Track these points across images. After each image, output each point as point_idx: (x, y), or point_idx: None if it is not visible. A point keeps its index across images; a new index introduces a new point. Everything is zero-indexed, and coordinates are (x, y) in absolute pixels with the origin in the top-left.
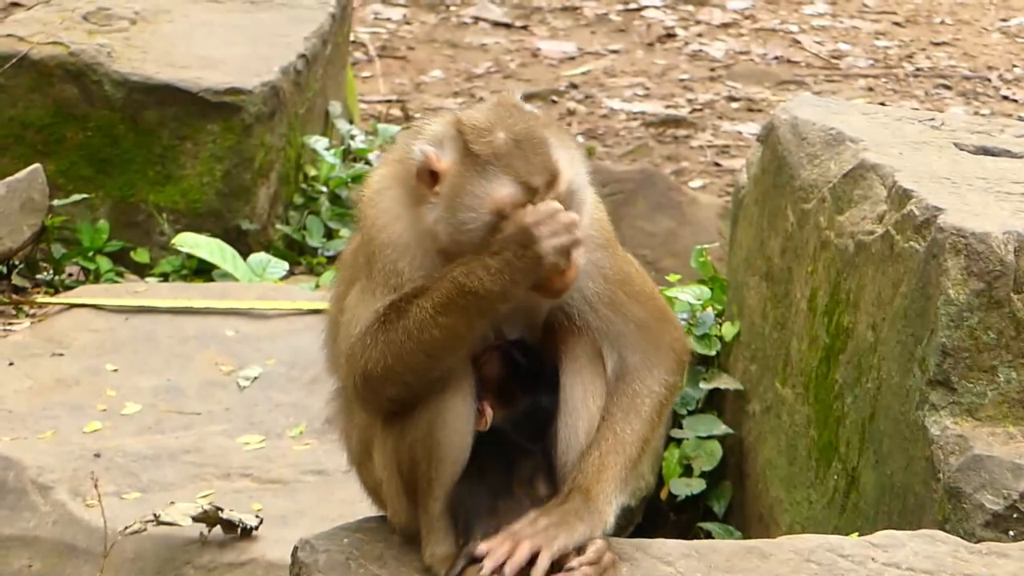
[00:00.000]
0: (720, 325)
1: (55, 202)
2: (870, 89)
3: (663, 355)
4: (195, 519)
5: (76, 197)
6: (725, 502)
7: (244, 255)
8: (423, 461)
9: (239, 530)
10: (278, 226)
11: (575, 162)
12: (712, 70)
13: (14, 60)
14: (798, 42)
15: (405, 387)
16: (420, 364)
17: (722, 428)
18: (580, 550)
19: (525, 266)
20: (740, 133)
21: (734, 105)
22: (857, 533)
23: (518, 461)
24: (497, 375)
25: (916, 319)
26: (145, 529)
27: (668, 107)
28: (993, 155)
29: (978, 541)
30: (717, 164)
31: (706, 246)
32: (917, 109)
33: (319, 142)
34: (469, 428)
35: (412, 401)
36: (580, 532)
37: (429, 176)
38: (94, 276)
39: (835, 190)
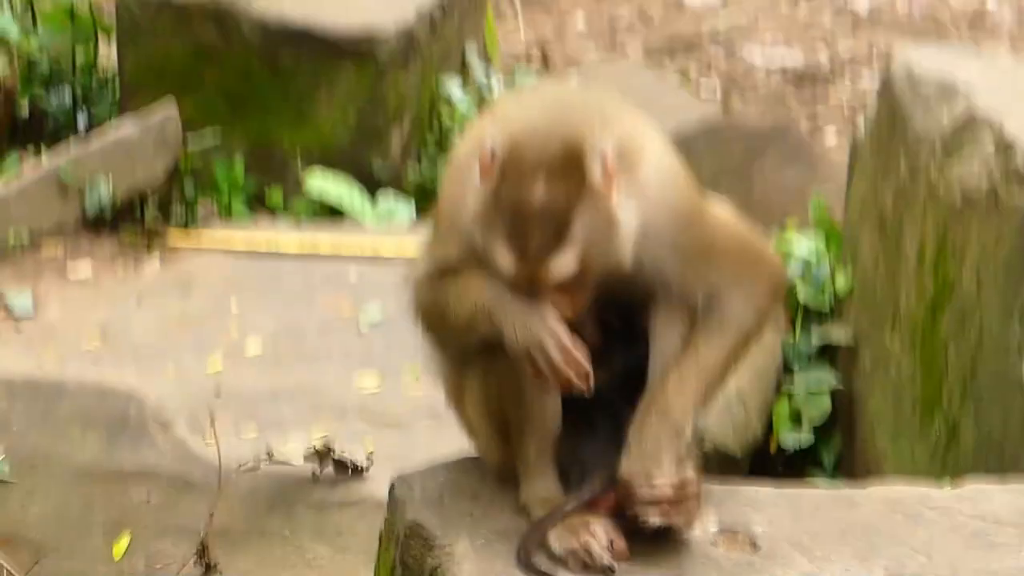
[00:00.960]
0: (835, 277)
1: (190, 142)
2: (1015, 40)
3: (756, 290)
4: (307, 458)
5: (210, 137)
6: (834, 454)
7: (376, 198)
8: (512, 408)
9: (350, 470)
10: (410, 169)
11: (594, 220)
12: (855, 23)
13: (156, 1)
14: None
15: (457, 341)
16: (454, 329)
17: (833, 380)
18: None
19: (521, 346)
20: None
21: (875, 59)
22: (950, 485)
23: (622, 418)
24: (593, 340)
25: (1017, 272)
26: (259, 466)
27: (808, 60)
28: None
29: None
30: (853, 118)
31: (825, 198)
32: None
33: (453, 87)
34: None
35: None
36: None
37: (480, 165)
38: (227, 215)
39: (945, 141)
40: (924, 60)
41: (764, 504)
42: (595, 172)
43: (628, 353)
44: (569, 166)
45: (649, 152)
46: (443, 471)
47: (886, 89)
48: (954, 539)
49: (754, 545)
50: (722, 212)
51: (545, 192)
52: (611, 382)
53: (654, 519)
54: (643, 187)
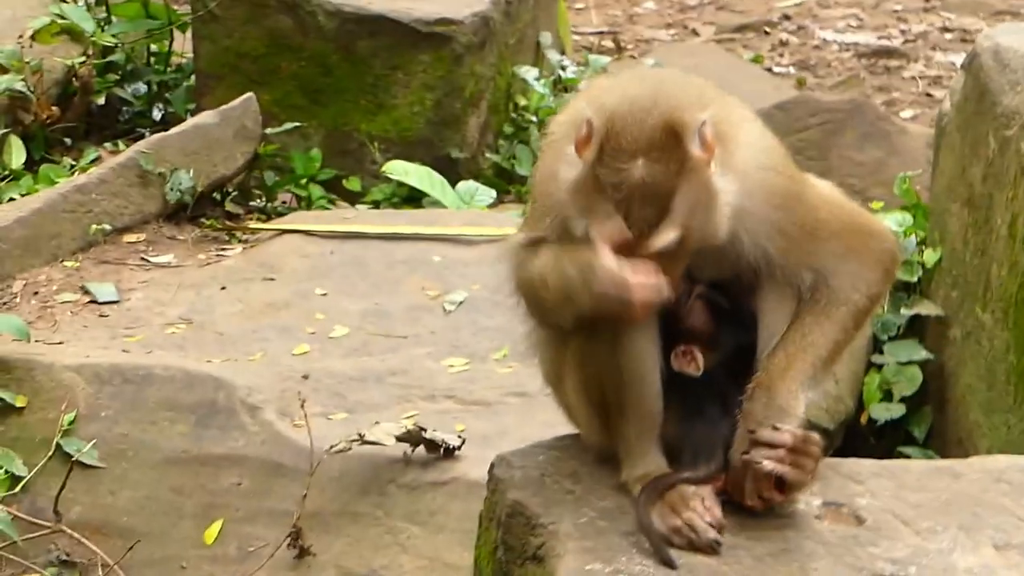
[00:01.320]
0: (922, 252)
1: (268, 130)
2: None
3: (867, 267)
4: (399, 439)
5: (289, 125)
6: (925, 427)
7: (453, 183)
8: (611, 391)
9: (442, 450)
10: (488, 155)
11: (694, 193)
12: (927, 1)
13: None
14: None
15: (550, 313)
16: (544, 299)
17: (923, 354)
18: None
19: (582, 289)
20: (953, 64)
21: (947, 36)
22: None
23: (730, 400)
24: (703, 323)
25: None
26: (350, 448)
27: (881, 38)
28: None
29: None
30: (928, 95)
31: (910, 174)
32: None
33: (529, 72)
34: (654, 361)
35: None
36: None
37: (577, 140)
38: (306, 203)
39: None
40: (1010, 38)
41: (866, 478)
42: (695, 146)
43: (738, 335)
44: (669, 140)
45: (746, 130)
46: (542, 451)
47: (972, 67)
48: None
49: (858, 519)
50: (826, 190)
51: (646, 165)
52: (722, 364)
53: (769, 465)
54: (741, 163)
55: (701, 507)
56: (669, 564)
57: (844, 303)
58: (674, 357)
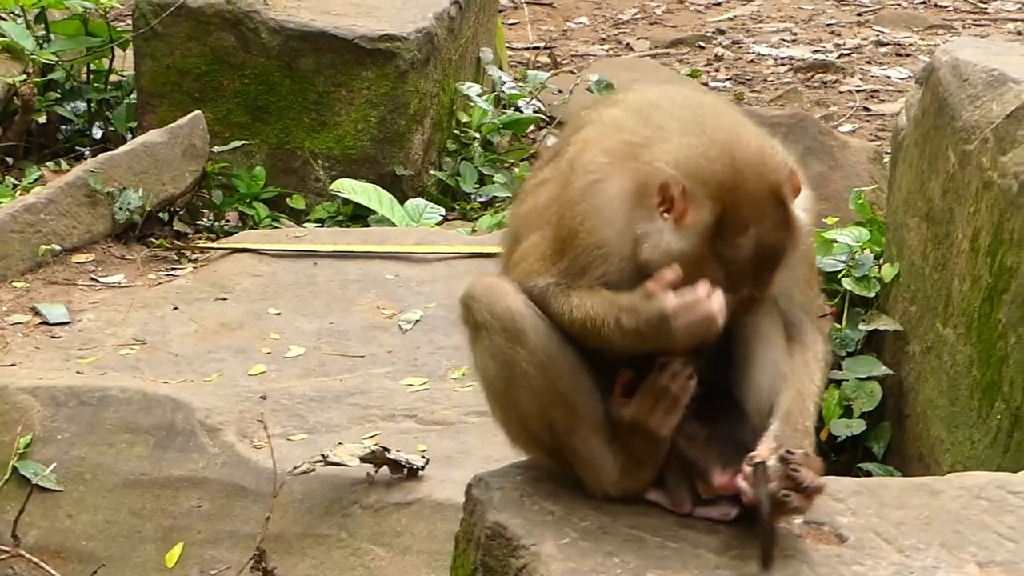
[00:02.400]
0: (879, 267)
1: (214, 148)
2: (1019, 33)
3: (820, 326)
4: (362, 459)
5: (234, 144)
6: (884, 443)
7: (399, 201)
8: (558, 416)
9: (405, 470)
10: (432, 172)
11: (797, 251)
12: (859, 15)
13: (172, 8)
14: None
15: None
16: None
17: (882, 369)
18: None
19: (654, 338)
20: (889, 78)
21: (882, 50)
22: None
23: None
24: None
25: None
26: (313, 469)
27: (816, 52)
28: None
29: None
30: (866, 109)
31: (865, 189)
32: None
33: (472, 88)
34: (580, 367)
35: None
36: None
37: (667, 201)
38: (252, 222)
39: (998, 131)
40: (968, 52)
41: (846, 496)
42: (793, 201)
43: (716, 347)
44: (779, 204)
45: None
46: (519, 471)
47: (930, 81)
48: None
49: (840, 537)
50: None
51: (769, 238)
52: (703, 372)
53: (796, 503)
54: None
55: None
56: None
57: (819, 360)
58: (668, 377)
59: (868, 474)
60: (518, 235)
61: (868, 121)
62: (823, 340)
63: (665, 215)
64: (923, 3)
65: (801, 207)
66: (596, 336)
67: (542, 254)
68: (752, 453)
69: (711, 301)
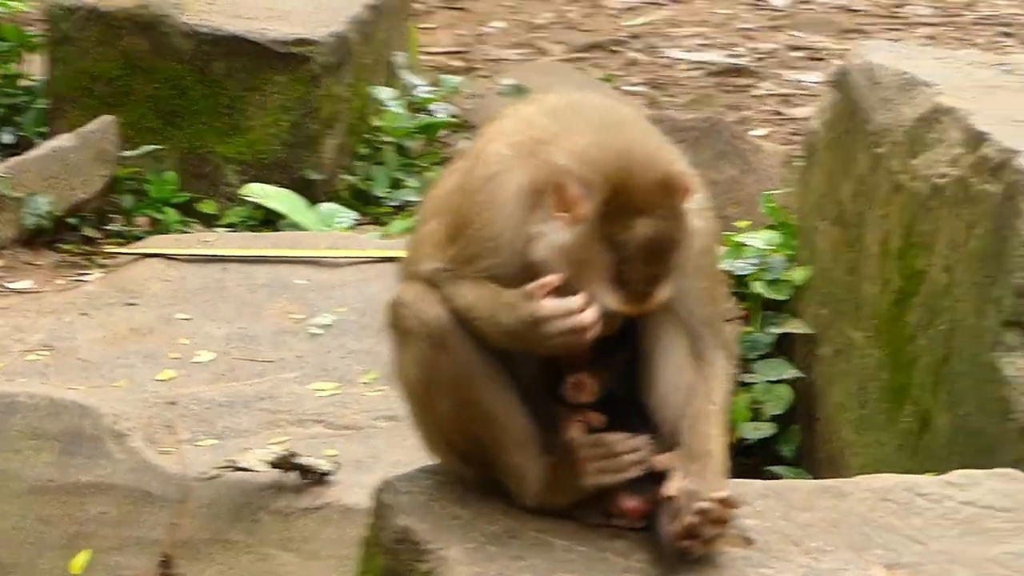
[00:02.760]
0: (790, 270)
1: (126, 153)
2: (932, 37)
3: (724, 341)
4: (271, 465)
5: (145, 148)
6: (794, 446)
7: (311, 205)
8: (482, 428)
9: (314, 476)
10: (344, 176)
11: (687, 247)
12: (773, 19)
13: (83, 11)
14: None
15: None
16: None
17: (792, 372)
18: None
19: (526, 338)
20: (802, 82)
21: (796, 54)
22: (931, 474)
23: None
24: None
25: (991, 261)
26: (221, 475)
27: (730, 56)
28: None
29: None
30: (779, 113)
31: (774, 192)
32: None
33: (384, 92)
34: (506, 383)
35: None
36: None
37: (561, 199)
38: (163, 227)
39: (909, 134)
40: (881, 56)
41: (753, 499)
42: (685, 199)
43: (621, 352)
44: (667, 198)
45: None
46: (428, 476)
47: (842, 85)
48: (947, 527)
49: (747, 540)
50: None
51: (657, 230)
52: (609, 382)
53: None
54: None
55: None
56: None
57: (725, 375)
58: (568, 390)
59: (777, 477)
60: (422, 221)
61: (781, 125)
62: (726, 355)
63: (559, 213)
64: (837, 7)
65: (695, 210)
66: (472, 327)
67: (437, 240)
68: (661, 490)
69: (584, 314)
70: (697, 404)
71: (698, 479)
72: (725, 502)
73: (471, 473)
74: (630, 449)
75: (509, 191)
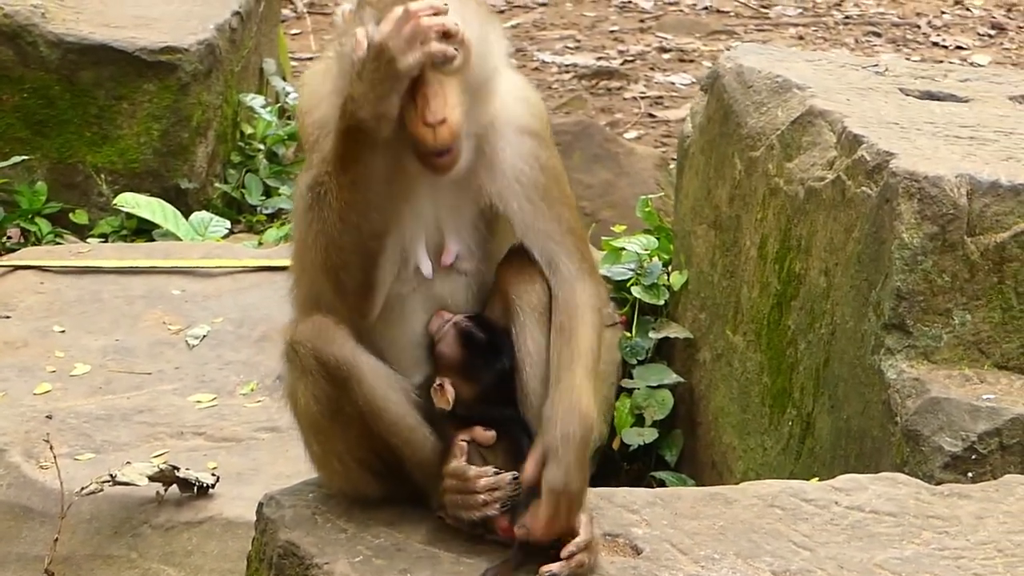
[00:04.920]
0: (668, 274)
1: None
2: (800, 38)
3: (592, 269)
4: (151, 478)
5: (15, 159)
6: (677, 451)
7: (184, 214)
8: (385, 452)
9: (195, 489)
10: (217, 184)
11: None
12: (642, 21)
13: None
14: None
15: (349, 275)
16: (350, 241)
17: (673, 377)
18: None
19: (385, 80)
20: (673, 84)
21: (666, 56)
22: (816, 478)
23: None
24: (457, 353)
25: (870, 264)
26: (101, 489)
27: (600, 59)
28: (939, 100)
29: (938, 483)
30: (651, 115)
31: (651, 196)
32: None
33: (255, 100)
34: (409, 411)
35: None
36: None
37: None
38: (35, 238)
39: (783, 137)
40: (752, 59)
41: (640, 507)
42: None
43: (495, 365)
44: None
45: (505, 53)
46: (311, 488)
47: (715, 88)
48: (834, 532)
49: (636, 549)
50: None
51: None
52: (484, 392)
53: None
54: (500, 84)
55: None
56: None
57: (590, 307)
58: (432, 392)
59: (661, 482)
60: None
61: (653, 128)
62: (590, 277)
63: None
64: (705, 9)
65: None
66: (351, 195)
67: (300, 181)
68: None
69: (409, 12)
70: (560, 400)
71: (559, 473)
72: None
73: (379, 490)
74: (487, 488)
75: (316, 77)
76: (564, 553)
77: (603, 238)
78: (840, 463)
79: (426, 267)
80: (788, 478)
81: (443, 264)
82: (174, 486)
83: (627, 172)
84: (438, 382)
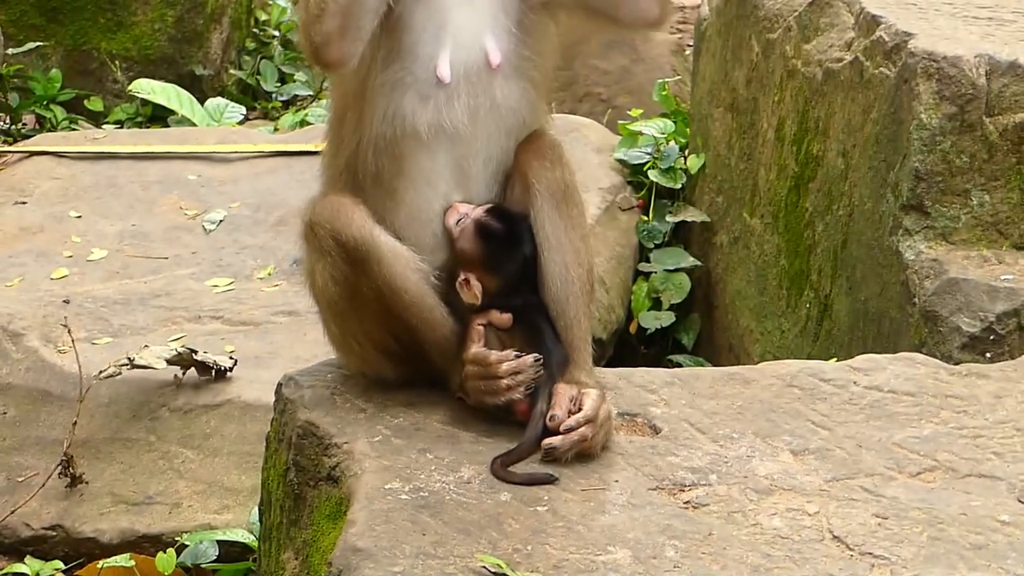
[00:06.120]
0: (685, 158)
1: (8, 51)
2: None
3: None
4: (169, 362)
5: (29, 46)
6: (694, 334)
7: (199, 101)
8: (406, 341)
9: (213, 372)
10: (232, 71)
11: None
12: None
13: None
14: None
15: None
16: None
17: (690, 260)
18: (575, 400)
19: None
20: None
21: None
22: (835, 360)
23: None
24: (478, 249)
25: (888, 145)
26: (119, 373)
27: None
28: None
29: (956, 364)
30: None
31: (667, 80)
32: None
33: None
34: (426, 290)
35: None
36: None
37: None
38: (50, 125)
39: (801, 18)
40: None
41: (659, 387)
42: None
43: (516, 257)
44: None
45: None
46: (330, 369)
47: None
48: (852, 412)
49: (654, 428)
50: None
51: None
52: (508, 283)
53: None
54: None
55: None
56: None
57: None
58: (457, 288)
59: (678, 366)
60: None
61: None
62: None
63: None
64: None
65: None
66: None
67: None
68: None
69: None
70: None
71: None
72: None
73: (398, 373)
74: (509, 372)
75: None
76: (563, 427)
77: (619, 122)
78: (858, 345)
79: (444, 70)
80: (806, 360)
81: (492, 64)
82: (192, 369)
83: (643, 58)
84: (463, 277)
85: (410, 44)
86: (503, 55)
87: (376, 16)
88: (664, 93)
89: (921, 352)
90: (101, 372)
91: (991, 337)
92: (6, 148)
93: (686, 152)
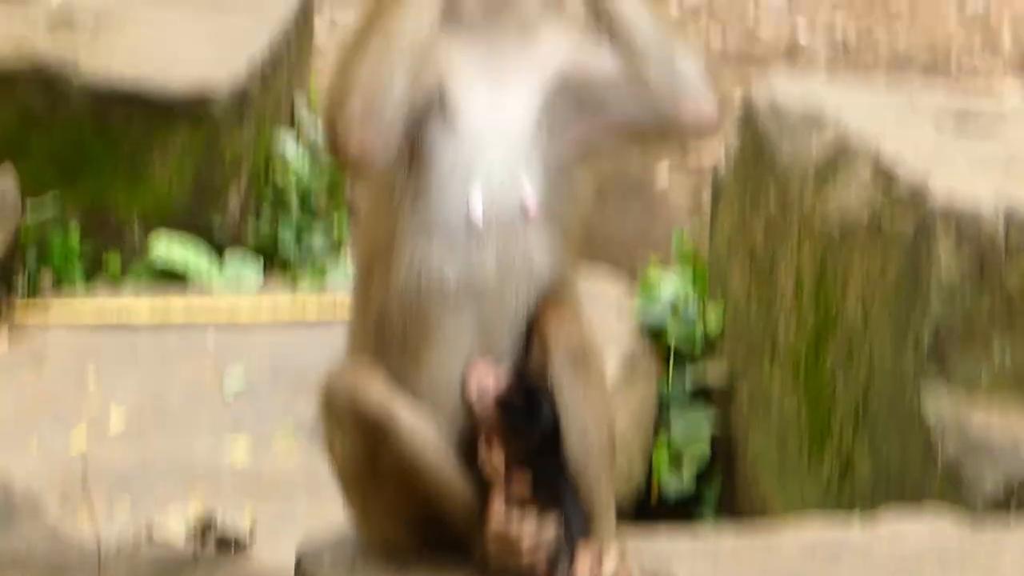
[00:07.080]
0: (704, 314)
1: (28, 211)
2: (831, 74)
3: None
4: (188, 534)
5: (47, 205)
6: (715, 497)
7: (218, 252)
8: (424, 506)
9: (233, 544)
10: (250, 226)
11: None
12: None
13: None
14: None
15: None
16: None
17: (710, 422)
18: (597, 561)
19: None
20: None
21: None
22: (858, 517)
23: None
24: (497, 425)
25: (907, 298)
26: (138, 547)
27: None
28: (973, 130)
29: (979, 524)
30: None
31: (684, 229)
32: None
33: (287, 143)
34: (447, 463)
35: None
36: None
37: None
38: (67, 285)
39: (818, 170)
40: (785, 90)
41: (682, 553)
42: None
43: (538, 422)
44: None
45: None
46: (349, 541)
47: (747, 121)
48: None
49: None
50: None
51: None
52: (528, 451)
53: None
54: None
55: None
56: None
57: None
58: (479, 462)
59: (699, 528)
60: None
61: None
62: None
63: None
64: (733, 47)
65: None
66: None
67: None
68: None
69: None
70: (587, 444)
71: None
72: None
73: (418, 541)
74: (531, 549)
75: None
76: None
77: (638, 276)
78: (881, 504)
79: (477, 212)
80: (828, 520)
81: (527, 213)
82: (211, 541)
83: (660, 214)
84: (484, 449)
85: (438, 181)
86: (538, 200)
87: (402, 108)
88: (683, 247)
89: (944, 511)
90: (119, 544)
91: (1014, 498)
92: (25, 312)
93: (704, 301)
